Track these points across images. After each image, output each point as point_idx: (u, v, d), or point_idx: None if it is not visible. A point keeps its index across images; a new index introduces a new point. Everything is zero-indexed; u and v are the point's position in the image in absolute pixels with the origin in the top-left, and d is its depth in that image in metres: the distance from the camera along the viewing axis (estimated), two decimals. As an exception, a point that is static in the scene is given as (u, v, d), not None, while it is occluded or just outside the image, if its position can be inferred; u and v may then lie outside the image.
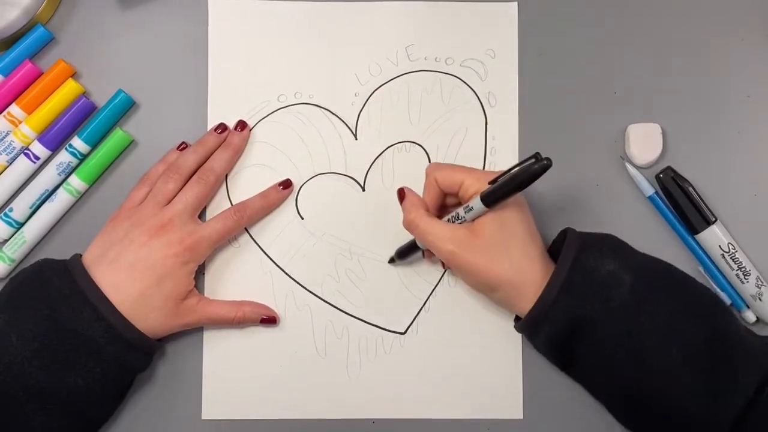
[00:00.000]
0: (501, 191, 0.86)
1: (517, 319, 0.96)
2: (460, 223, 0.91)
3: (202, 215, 1.00)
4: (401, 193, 0.95)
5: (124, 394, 0.97)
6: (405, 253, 0.99)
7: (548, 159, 0.82)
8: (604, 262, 0.89)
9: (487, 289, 0.92)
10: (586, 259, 0.90)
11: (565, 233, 0.94)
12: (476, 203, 0.88)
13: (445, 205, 0.97)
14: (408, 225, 0.93)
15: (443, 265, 1.00)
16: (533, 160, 0.83)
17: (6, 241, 1.00)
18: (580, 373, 0.95)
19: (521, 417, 1.00)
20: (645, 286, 0.89)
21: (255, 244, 1.01)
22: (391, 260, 1.01)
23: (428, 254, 0.99)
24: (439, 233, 0.90)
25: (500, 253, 0.89)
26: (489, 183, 0.88)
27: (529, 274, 0.90)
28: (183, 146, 1.01)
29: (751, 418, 0.84)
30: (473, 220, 0.90)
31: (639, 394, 0.88)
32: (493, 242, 0.89)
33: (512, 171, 0.86)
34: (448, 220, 0.92)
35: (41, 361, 0.87)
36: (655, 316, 0.87)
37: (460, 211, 0.91)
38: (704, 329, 0.87)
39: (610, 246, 0.92)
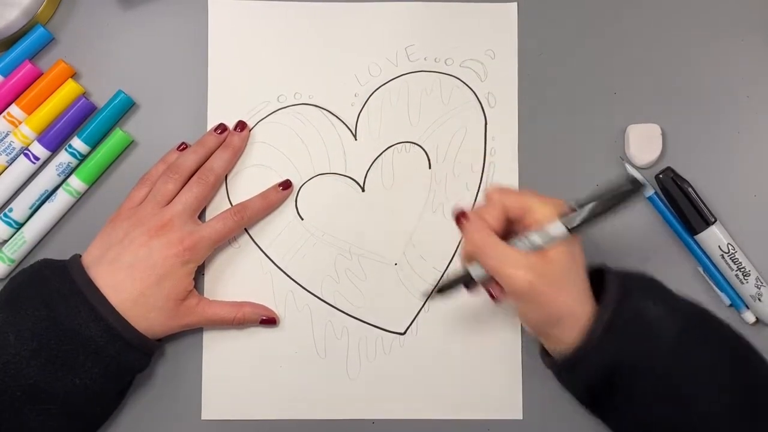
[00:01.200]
0: (590, 219, 0.84)
1: (547, 353, 0.93)
2: (531, 249, 0.85)
3: (201, 216, 1.00)
4: (462, 215, 0.89)
5: (123, 394, 0.97)
6: (450, 287, 0.91)
7: (640, 183, 0.81)
8: (649, 304, 0.86)
9: (549, 323, 0.87)
10: (630, 302, 0.86)
11: (599, 271, 0.90)
12: (556, 228, 0.84)
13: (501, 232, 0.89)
14: (474, 247, 0.87)
15: (495, 301, 0.90)
16: (624, 183, 0.82)
17: (6, 241, 1.00)
18: (613, 419, 0.92)
19: (521, 417, 1.00)
20: (689, 332, 0.86)
21: (255, 245, 1.01)
22: (428, 295, 0.99)
23: (476, 288, 0.91)
24: (515, 258, 0.84)
25: (570, 283, 0.86)
26: (575, 206, 0.85)
27: (588, 306, 0.86)
28: (183, 146, 1.01)
29: None
30: (542, 247, 0.85)
31: None
32: (566, 272, 0.85)
33: (604, 197, 0.83)
34: (515, 245, 0.87)
35: (39, 361, 0.87)
36: (698, 365, 0.84)
37: (534, 236, 0.85)
38: (746, 378, 0.85)
39: (654, 289, 0.89)
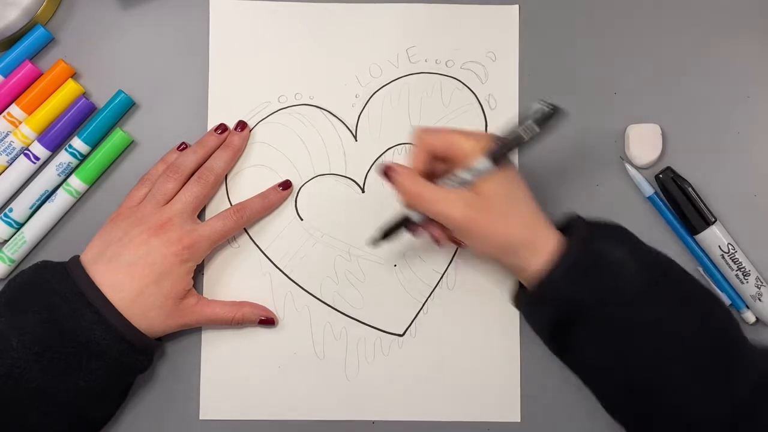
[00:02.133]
0: (509, 147, 0.86)
1: (519, 292, 0.95)
2: (462, 187, 0.88)
3: (201, 215, 1.00)
4: (389, 169, 0.90)
5: (126, 395, 0.97)
6: (392, 232, 0.94)
7: (562, 109, 0.83)
8: (612, 248, 0.88)
9: (502, 252, 0.90)
10: (594, 244, 0.88)
11: (568, 217, 0.93)
12: (482, 163, 0.86)
13: (430, 172, 0.92)
14: (412, 199, 0.89)
15: (438, 243, 0.95)
16: (542, 108, 0.84)
17: (6, 241, 1.00)
18: (574, 359, 0.94)
19: (518, 420, 0.99)
20: (651, 277, 0.87)
21: (254, 245, 1.01)
22: (373, 241, 0.97)
23: (417, 231, 0.94)
24: (451, 199, 0.87)
25: (512, 211, 0.88)
26: (496, 140, 0.86)
27: (542, 231, 0.89)
28: (183, 147, 1.01)
29: (746, 420, 0.83)
30: (473, 182, 0.87)
31: (632, 385, 0.87)
32: (503, 202, 0.88)
33: (521, 125, 0.85)
34: (448, 185, 0.89)
35: (43, 364, 0.86)
36: (659, 308, 0.86)
37: (462, 173, 0.87)
38: (705, 328, 0.86)
39: (619, 234, 0.91)
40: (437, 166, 0.92)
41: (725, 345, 0.86)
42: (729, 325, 0.89)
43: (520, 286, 0.96)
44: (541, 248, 0.88)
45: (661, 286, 0.87)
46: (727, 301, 0.99)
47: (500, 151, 0.86)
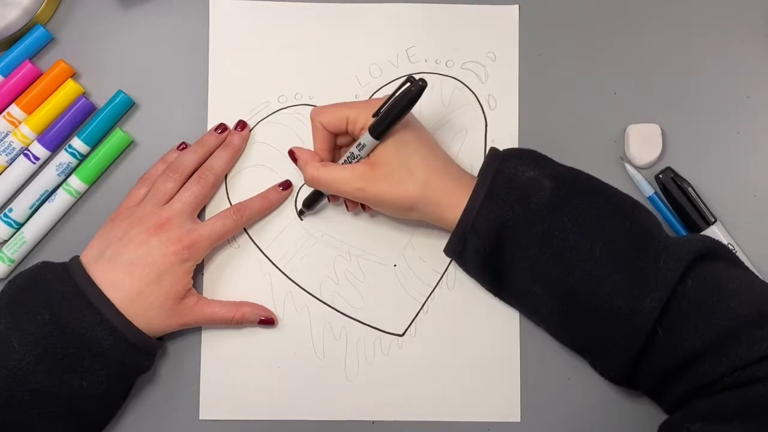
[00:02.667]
0: (386, 121, 0.88)
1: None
2: (358, 161, 0.93)
3: (201, 215, 1.01)
4: (291, 153, 0.98)
5: (127, 396, 0.98)
6: (312, 203, 1.00)
7: (423, 80, 0.84)
8: (525, 169, 0.91)
9: (403, 211, 0.93)
10: (507, 168, 0.91)
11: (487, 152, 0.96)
12: (366, 138, 0.90)
13: (338, 147, 0.99)
14: (311, 182, 0.95)
15: (348, 209, 1.01)
16: (409, 84, 0.86)
17: (6, 241, 1.00)
18: (512, 288, 0.95)
19: (518, 420, 0.99)
20: (566, 189, 0.90)
21: (254, 245, 1.01)
22: (300, 213, 1.02)
23: (333, 198, 1.01)
24: (342, 177, 0.92)
25: (403, 174, 0.91)
26: (373, 115, 0.89)
27: (440, 187, 0.92)
28: (183, 146, 1.01)
29: (673, 310, 0.84)
30: (368, 154, 0.92)
31: (566, 295, 0.89)
32: (393, 167, 0.91)
33: (391, 99, 0.87)
34: (345, 161, 0.94)
35: (45, 365, 0.87)
36: (577, 217, 0.88)
37: (354, 150, 0.93)
38: (626, 228, 0.88)
39: (530, 156, 0.94)
40: (342, 140, 0.98)
41: (645, 241, 0.87)
42: (646, 221, 0.90)
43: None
44: (446, 201, 0.92)
45: (576, 196, 0.90)
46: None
47: (378, 126, 0.89)
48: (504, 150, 0.94)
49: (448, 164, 0.94)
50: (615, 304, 0.85)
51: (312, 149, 0.98)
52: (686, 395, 0.85)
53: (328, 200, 1.01)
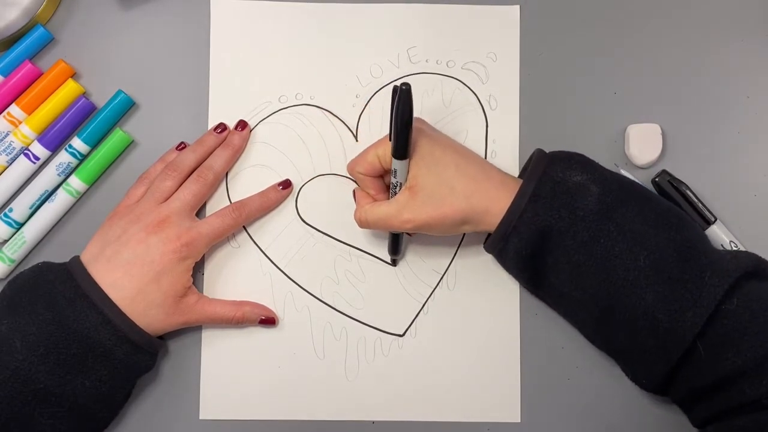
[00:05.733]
0: (398, 137, 0.87)
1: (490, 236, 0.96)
2: (400, 189, 0.93)
3: (201, 215, 1.00)
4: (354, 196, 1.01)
5: (129, 395, 0.98)
6: (395, 247, 0.99)
7: (405, 83, 0.83)
8: (572, 173, 0.90)
9: (455, 227, 0.93)
10: (554, 171, 0.90)
11: (532, 154, 0.95)
12: (395, 163, 0.90)
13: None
14: (362, 225, 0.96)
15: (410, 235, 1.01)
16: (394, 93, 0.86)
17: (6, 241, 1.00)
18: (550, 290, 0.95)
19: (518, 420, 0.99)
20: (613, 196, 0.89)
21: (254, 245, 1.01)
22: (393, 262, 1.02)
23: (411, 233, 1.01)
24: (387, 213, 0.92)
25: (444, 192, 0.90)
26: (390, 140, 0.90)
27: (484, 195, 0.91)
28: (182, 146, 1.01)
29: (716, 327, 0.83)
30: (406, 179, 0.92)
31: (607, 302, 0.88)
32: (433, 187, 0.91)
33: (392, 114, 0.87)
34: (391, 195, 0.94)
35: (48, 365, 0.87)
36: (623, 225, 0.87)
37: (391, 180, 0.93)
38: (672, 239, 0.87)
39: (578, 160, 0.92)
40: (389, 178, 0.96)
41: (690, 254, 0.86)
42: (692, 234, 0.89)
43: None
44: (494, 205, 0.90)
45: (623, 203, 0.89)
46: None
47: (395, 146, 0.89)
48: (550, 152, 0.93)
49: (486, 169, 0.94)
50: (656, 315, 0.85)
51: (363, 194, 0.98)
52: (720, 413, 0.85)
53: (410, 235, 1.02)
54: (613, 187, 0.89)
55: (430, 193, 0.90)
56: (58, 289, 0.89)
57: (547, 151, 0.94)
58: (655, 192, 0.99)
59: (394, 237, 0.98)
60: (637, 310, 0.86)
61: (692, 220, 0.92)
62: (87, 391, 0.89)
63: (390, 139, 0.89)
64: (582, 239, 0.88)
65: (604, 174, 0.91)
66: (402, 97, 0.83)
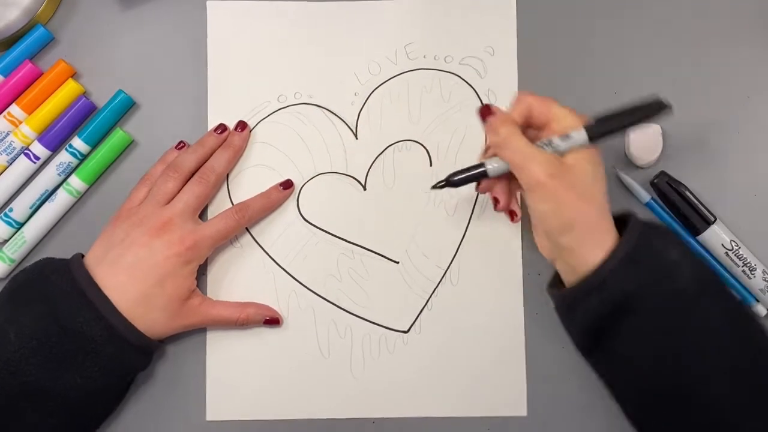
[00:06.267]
0: (610, 127, 0.86)
1: (556, 285, 0.93)
2: (552, 152, 0.87)
3: (204, 216, 1.01)
4: (486, 110, 0.91)
5: (123, 395, 0.98)
6: (464, 181, 0.91)
7: (666, 101, 0.82)
8: (670, 248, 0.85)
9: (564, 229, 0.86)
10: (654, 240, 0.86)
11: (622, 211, 0.90)
12: (578, 134, 0.86)
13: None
14: (501, 142, 0.88)
15: (496, 206, 0.93)
16: (654, 101, 0.84)
17: (6, 241, 1.00)
18: (607, 358, 0.91)
19: (525, 414, 1.00)
20: (703, 284, 0.85)
21: (257, 245, 1.02)
22: (439, 185, 0.91)
23: (486, 186, 0.93)
24: (536, 155, 0.85)
25: (589, 191, 0.86)
26: (594, 119, 0.87)
27: (605, 221, 0.87)
28: (181, 145, 1.01)
29: None
30: (563, 153, 0.87)
31: (669, 394, 0.85)
32: (584, 178, 0.86)
33: (628, 108, 0.85)
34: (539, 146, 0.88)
35: (39, 359, 0.87)
36: (708, 318, 0.84)
37: (555, 139, 0.87)
38: (752, 343, 0.85)
39: (673, 238, 0.88)
40: (527, 133, 0.90)
41: (764, 358, 0.84)
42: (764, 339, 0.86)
43: (557, 276, 0.93)
44: (599, 237, 0.86)
45: (710, 294, 0.85)
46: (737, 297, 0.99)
47: (599, 128, 0.86)
48: (647, 221, 0.88)
49: (608, 208, 0.89)
50: (726, 422, 0.82)
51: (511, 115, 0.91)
52: None
53: (477, 187, 0.94)
54: (702, 274, 0.86)
55: (581, 179, 0.86)
56: (55, 283, 0.90)
57: (641, 218, 0.88)
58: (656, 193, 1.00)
59: (473, 174, 0.90)
60: (703, 411, 0.83)
61: (765, 324, 0.89)
62: (77, 387, 0.89)
63: (594, 119, 0.87)
64: (665, 318, 0.84)
65: (693, 256, 0.87)
66: (655, 112, 0.83)
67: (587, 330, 0.89)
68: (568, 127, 0.87)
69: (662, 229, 0.89)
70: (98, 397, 0.92)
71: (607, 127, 0.86)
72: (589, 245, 0.86)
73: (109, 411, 0.97)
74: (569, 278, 0.89)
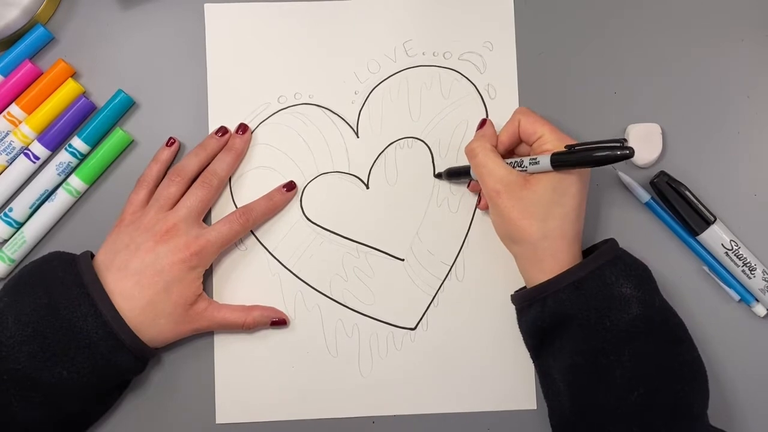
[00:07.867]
0: (573, 160, 0.87)
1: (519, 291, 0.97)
2: (519, 171, 0.92)
3: (207, 220, 1.00)
4: (481, 123, 1.02)
5: (110, 400, 0.98)
6: (455, 174, 1.01)
7: (631, 149, 0.83)
8: (624, 284, 0.89)
9: (509, 241, 0.94)
10: (609, 272, 0.89)
11: (605, 240, 0.95)
12: (544, 159, 0.89)
13: (514, 152, 0.99)
14: (468, 151, 0.96)
15: (477, 205, 1.03)
16: (618, 145, 0.84)
17: (6, 241, 1.00)
18: (544, 366, 0.94)
19: (534, 407, 1.01)
20: (647, 326, 0.88)
21: (262, 247, 1.02)
22: (438, 175, 1.03)
23: (473, 186, 1.03)
24: (494, 170, 0.92)
25: (540, 213, 0.90)
26: (566, 147, 0.88)
27: (554, 248, 0.90)
28: (172, 141, 1.01)
29: None
30: (532, 174, 0.91)
31: (584, 408, 0.89)
32: (538, 200, 0.90)
33: (592, 146, 0.86)
34: (510, 163, 0.93)
35: (31, 348, 0.87)
36: (638, 359, 0.87)
37: (525, 160, 0.91)
38: (673, 396, 0.87)
39: (638, 273, 0.91)
40: (522, 149, 0.98)
41: (681, 414, 0.87)
42: (695, 400, 0.89)
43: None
44: (546, 261, 0.91)
45: (652, 340, 0.88)
46: (736, 297, 1.00)
47: (562, 157, 0.88)
48: (619, 250, 0.93)
49: (577, 236, 0.93)
50: None
51: (495, 133, 0.99)
52: None
53: (468, 185, 1.03)
54: (653, 317, 0.89)
55: (532, 202, 0.90)
56: (59, 275, 0.90)
57: (618, 247, 0.94)
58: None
59: (465, 173, 1.00)
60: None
61: (706, 381, 0.91)
62: (64, 381, 0.88)
63: (567, 147, 0.89)
64: (594, 347, 0.88)
65: (653, 298, 0.91)
66: (619, 156, 0.84)
67: (529, 335, 0.95)
68: (547, 150, 0.91)
69: (629, 262, 0.92)
70: (83, 393, 0.91)
71: (571, 160, 0.88)
72: (531, 262, 0.93)
73: (95, 417, 0.98)
74: (526, 279, 0.96)
